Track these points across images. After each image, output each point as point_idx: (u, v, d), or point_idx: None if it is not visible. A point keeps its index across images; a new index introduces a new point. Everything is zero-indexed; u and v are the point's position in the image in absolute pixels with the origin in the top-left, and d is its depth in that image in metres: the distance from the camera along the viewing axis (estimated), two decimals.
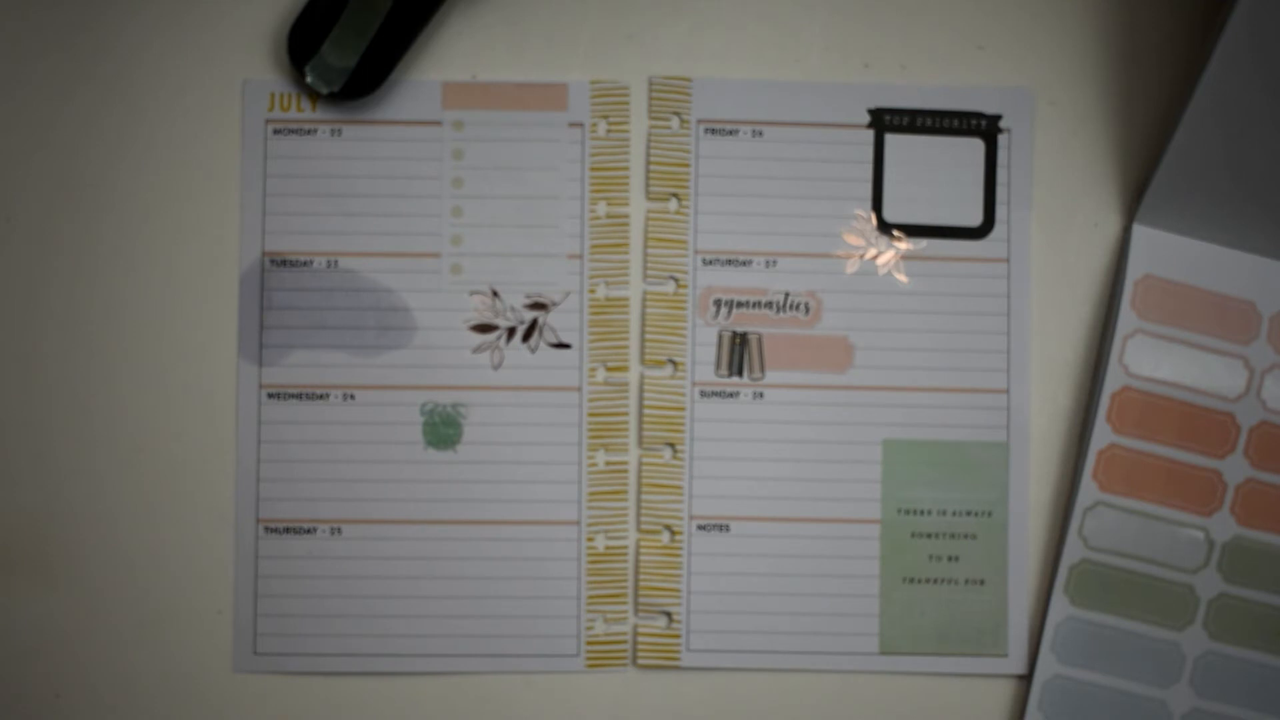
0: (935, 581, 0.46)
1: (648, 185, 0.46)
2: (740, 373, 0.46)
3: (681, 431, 0.46)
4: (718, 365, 0.46)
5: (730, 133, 0.46)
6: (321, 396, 0.46)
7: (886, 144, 0.46)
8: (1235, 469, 0.46)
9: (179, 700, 0.45)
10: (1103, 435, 0.46)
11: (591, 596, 0.46)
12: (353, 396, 0.46)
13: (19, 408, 0.46)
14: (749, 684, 0.46)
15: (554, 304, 0.46)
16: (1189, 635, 0.45)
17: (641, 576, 0.46)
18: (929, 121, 0.46)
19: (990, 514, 0.46)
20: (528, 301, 0.46)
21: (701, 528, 0.46)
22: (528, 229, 0.46)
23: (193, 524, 0.45)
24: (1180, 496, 0.45)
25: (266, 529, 0.45)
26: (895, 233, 0.46)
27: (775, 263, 0.46)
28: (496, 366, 0.46)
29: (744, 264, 0.46)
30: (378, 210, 0.46)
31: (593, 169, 0.46)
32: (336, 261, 0.46)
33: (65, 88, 0.46)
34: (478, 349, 0.46)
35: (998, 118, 0.47)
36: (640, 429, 0.46)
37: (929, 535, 0.46)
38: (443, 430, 0.46)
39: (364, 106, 0.46)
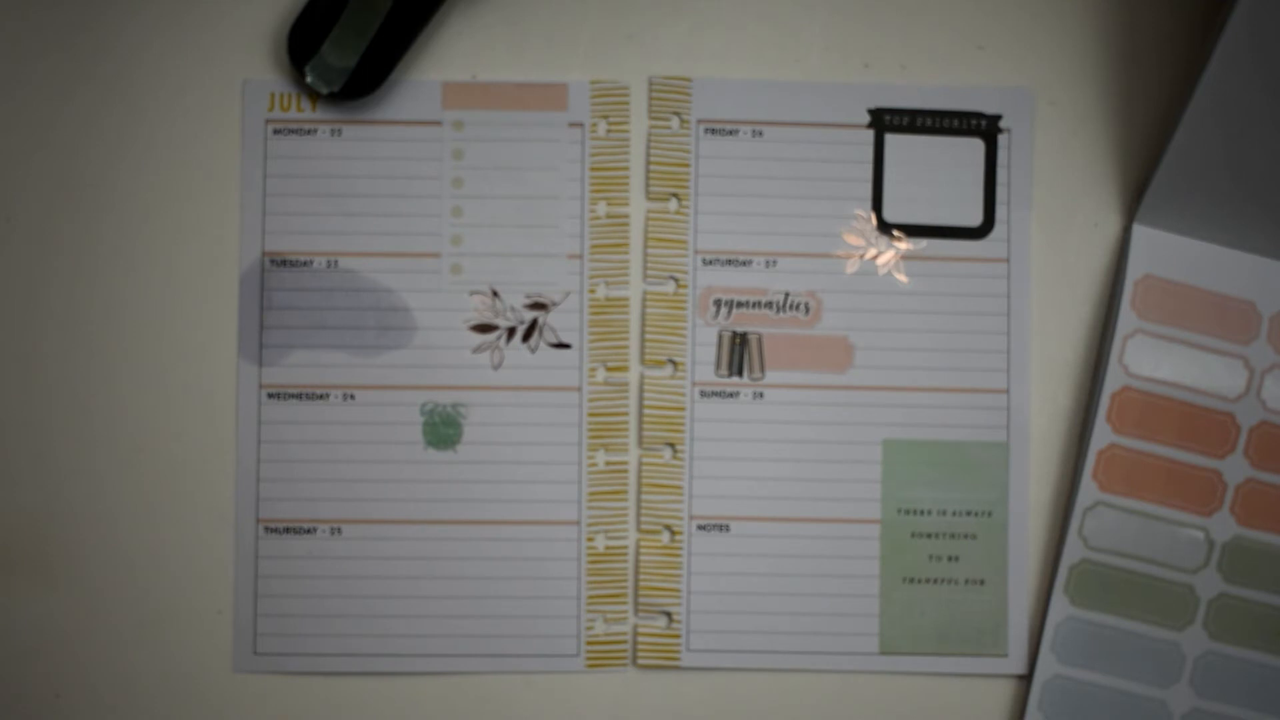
0: (935, 581, 0.46)
1: (648, 185, 0.46)
2: (740, 373, 0.46)
3: (681, 431, 0.46)
4: (718, 365, 0.46)
5: (730, 133, 0.46)
6: (321, 396, 0.46)
7: (886, 144, 0.46)
8: (1235, 469, 0.46)
9: (179, 700, 0.45)
10: (1103, 435, 0.46)
11: (591, 596, 0.46)
12: (353, 396, 0.46)
13: (19, 408, 0.46)
14: (749, 684, 0.46)
15: (554, 304, 0.46)
16: (1189, 635, 0.45)
17: (641, 576, 0.46)
18: (929, 121, 0.46)
19: (990, 514, 0.46)
20: (528, 301, 0.46)
21: (701, 528, 0.46)
22: (528, 229, 0.46)
23: (193, 524, 0.46)
24: (1180, 496, 0.45)
25: (266, 529, 0.45)
26: (895, 233, 0.46)
27: (775, 263, 0.46)
28: (496, 366, 0.46)
29: (744, 264, 0.46)
30: (378, 210, 0.46)
31: (593, 169, 0.46)
32: (336, 261, 0.46)
33: (65, 88, 0.46)
34: (478, 349, 0.46)
35: (998, 118, 0.47)
36: (640, 429, 0.46)
37: (929, 535, 0.46)
38: (443, 430, 0.46)
39: (364, 106, 0.46)
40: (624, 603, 0.46)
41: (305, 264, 0.46)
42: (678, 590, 0.46)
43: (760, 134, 0.46)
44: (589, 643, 0.46)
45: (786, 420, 0.46)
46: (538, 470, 0.46)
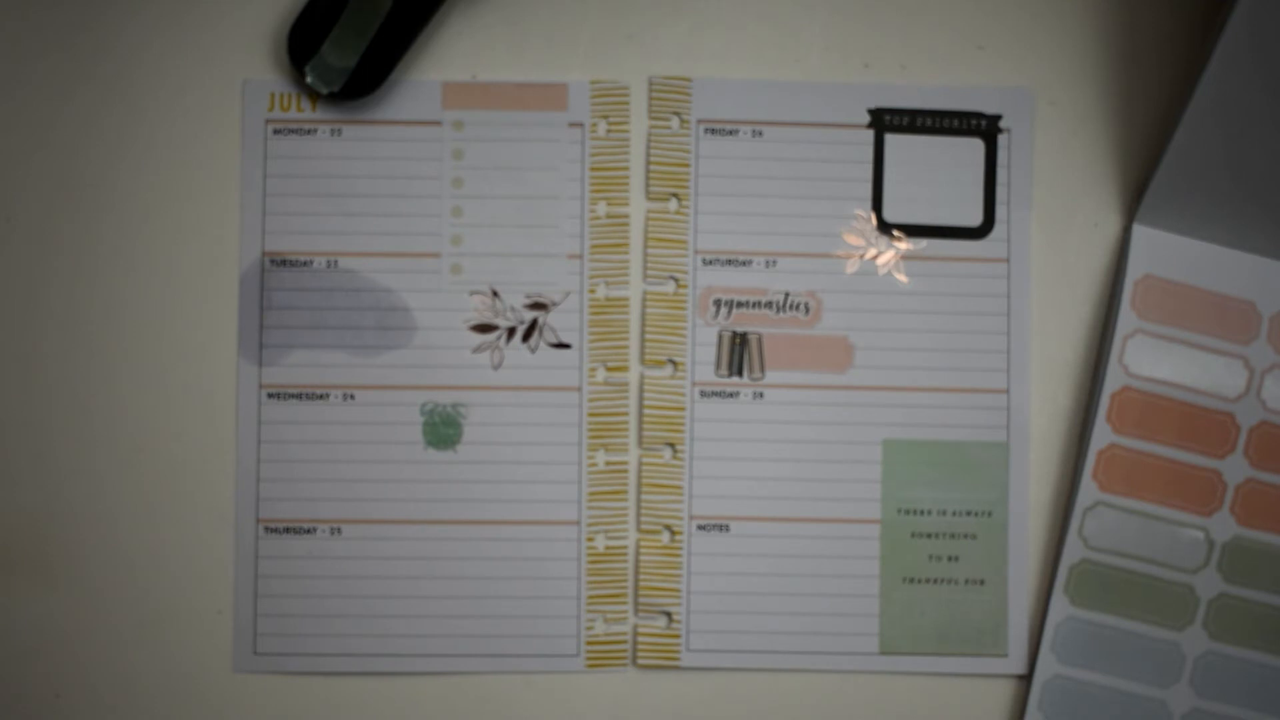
0: (935, 581, 0.46)
1: (648, 185, 0.46)
2: (740, 373, 0.46)
3: (681, 431, 0.46)
4: (718, 365, 0.46)
5: (730, 133, 0.46)
6: (321, 396, 0.46)
7: (886, 144, 0.46)
8: (1235, 469, 0.46)
9: (179, 700, 0.45)
10: (1103, 435, 0.46)
11: (591, 596, 0.46)
12: (353, 396, 0.46)
13: (19, 408, 0.46)
14: (749, 684, 0.46)
15: (554, 304, 0.46)
16: (1189, 635, 0.45)
17: (641, 576, 0.46)
18: (929, 121, 0.46)
19: (990, 514, 0.46)
20: (528, 301, 0.46)
21: (701, 528, 0.46)
22: (528, 229, 0.46)
23: (193, 524, 0.46)
24: (1180, 496, 0.45)
25: (266, 529, 0.45)
26: (895, 233, 0.46)
27: (775, 263, 0.46)
28: (496, 366, 0.46)
29: (744, 264, 0.46)
30: (378, 210, 0.46)
31: (593, 169, 0.46)
32: (336, 261, 0.46)
33: (65, 88, 0.46)
34: (478, 349, 0.46)
35: (998, 118, 0.47)
36: (640, 429, 0.46)
37: (929, 535, 0.46)
38: (443, 430, 0.46)
39: (364, 106, 0.46)
40: (624, 603, 0.46)
41: (305, 264, 0.46)
42: (678, 590, 0.46)
43: (760, 134, 0.46)
44: (589, 643, 0.46)
45: (786, 420, 0.46)
46: (538, 470, 0.46)
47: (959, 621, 0.46)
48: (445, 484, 0.46)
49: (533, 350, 0.46)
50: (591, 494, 0.46)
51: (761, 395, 0.46)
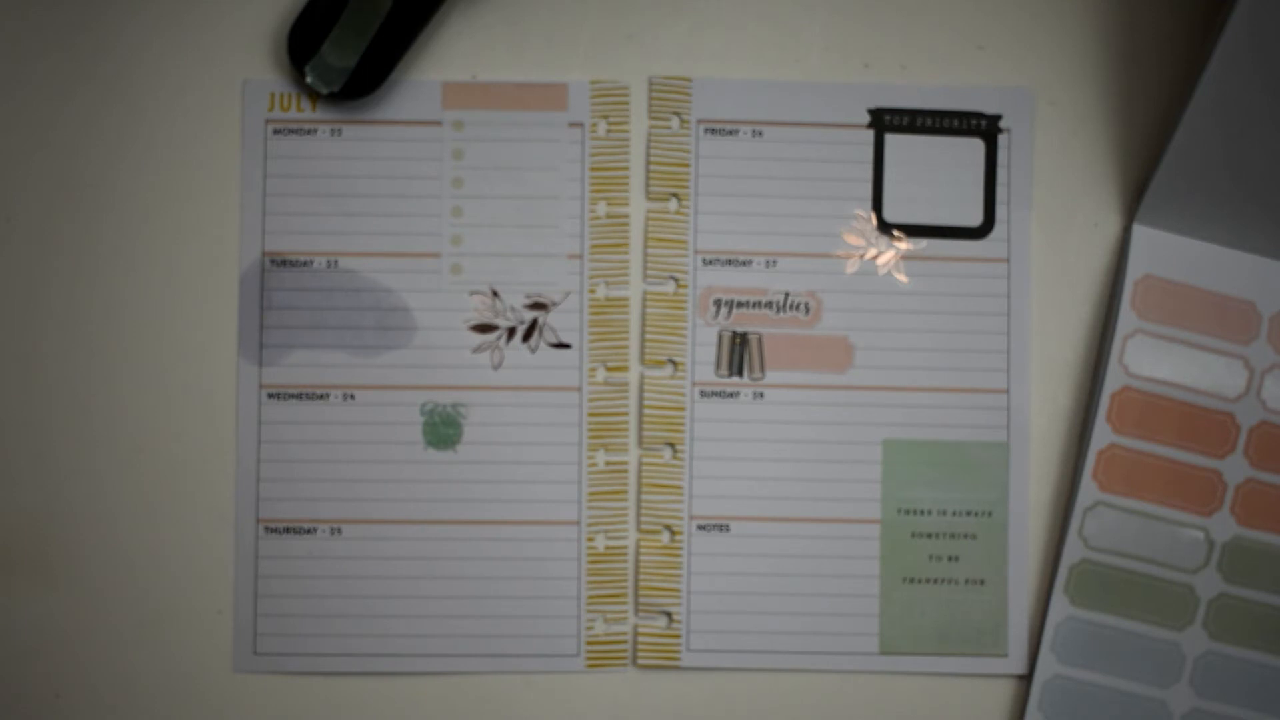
0: (935, 581, 0.46)
1: (648, 185, 0.46)
2: (740, 373, 0.46)
3: (681, 431, 0.46)
4: (718, 365, 0.46)
5: (730, 133, 0.46)
6: (321, 396, 0.46)
7: (886, 144, 0.46)
8: (1235, 469, 0.46)
9: (179, 700, 0.45)
10: (1103, 435, 0.46)
11: (591, 596, 0.46)
12: (353, 396, 0.46)
13: (19, 408, 0.46)
14: (749, 684, 0.46)
15: (554, 304, 0.46)
16: (1189, 635, 0.45)
17: (641, 576, 0.46)
18: (929, 121, 0.46)
19: (990, 514, 0.46)
20: (528, 301, 0.46)
21: (701, 528, 0.46)
22: (528, 229, 0.46)
23: (193, 524, 0.46)
24: (1180, 496, 0.45)
25: (266, 529, 0.45)
26: (895, 233, 0.46)
27: (775, 263, 0.46)
28: (496, 366, 0.46)
29: (744, 264, 0.46)
30: (378, 210, 0.46)
31: (593, 169, 0.46)
32: (336, 261, 0.46)
33: (65, 88, 0.46)
34: (478, 349, 0.46)
35: (998, 118, 0.47)
36: (640, 429, 0.46)
37: (929, 535, 0.46)
38: (443, 430, 0.46)
39: (364, 106, 0.46)
40: (624, 603, 0.46)
41: (305, 264, 0.46)
42: (678, 590, 0.46)
43: (760, 134, 0.46)
44: (589, 643, 0.46)
45: (786, 420, 0.46)
46: (538, 470, 0.46)
47: (959, 621, 0.46)
48: (445, 484, 0.46)
49: (533, 350, 0.46)
50: (591, 494, 0.46)
51: (761, 395, 0.46)
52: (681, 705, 0.46)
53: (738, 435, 0.46)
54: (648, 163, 0.46)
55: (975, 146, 0.47)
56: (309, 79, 0.45)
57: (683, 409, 0.46)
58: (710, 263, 0.46)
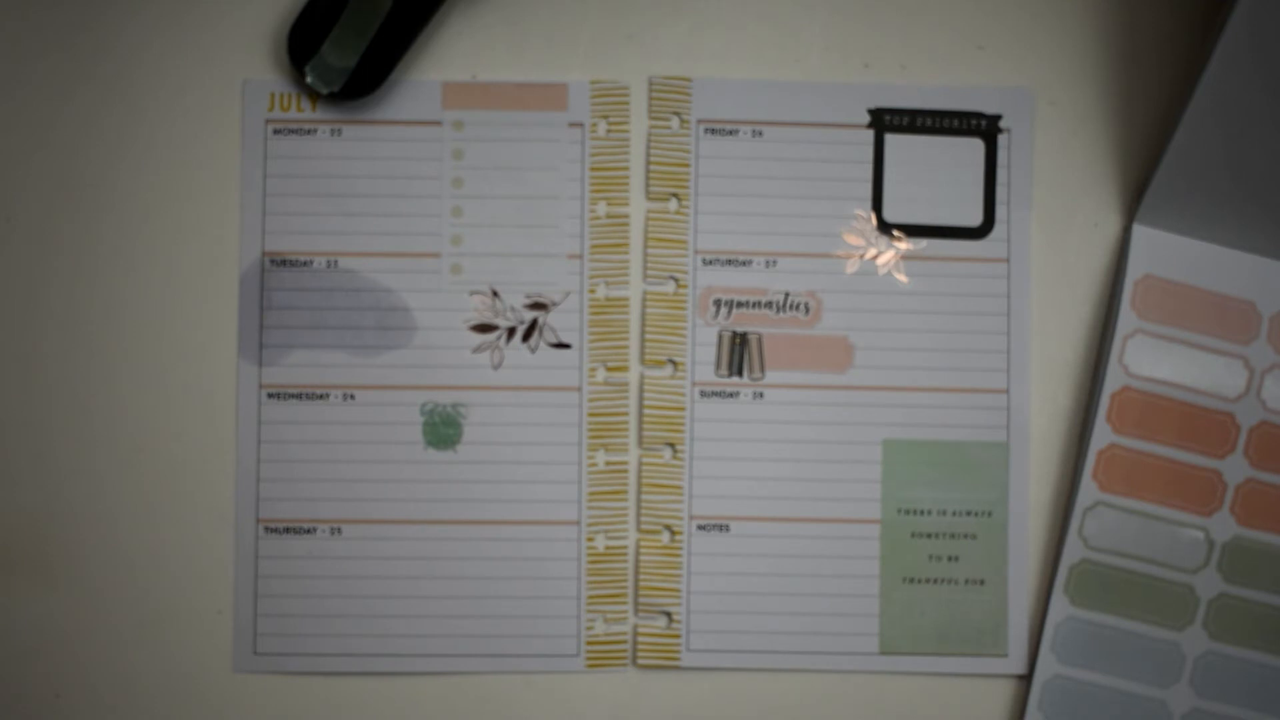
0: (935, 581, 0.46)
1: (648, 185, 0.46)
2: (740, 373, 0.46)
3: (681, 431, 0.46)
4: (718, 365, 0.46)
5: (730, 133, 0.46)
6: (321, 396, 0.46)
7: (886, 144, 0.46)
8: (1235, 469, 0.46)
9: (179, 700, 0.45)
10: (1103, 435, 0.46)
11: (591, 596, 0.46)
12: (353, 396, 0.46)
13: (19, 408, 0.46)
14: (749, 684, 0.46)
15: (554, 304, 0.46)
16: (1189, 635, 0.45)
17: (641, 576, 0.46)
18: (929, 121, 0.46)
19: (990, 514, 0.46)
20: (528, 301, 0.46)
21: (701, 528, 0.46)
22: (528, 229, 0.46)
23: (193, 524, 0.46)
24: (1180, 496, 0.45)
25: (266, 529, 0.45)
26: (895, 233, 0.46)
27: (775, 263, 0.46)
28: (496, 366, 0.46)
29: (744, 264, 0.46)
30: (378, 210, 0.46)
31: (593, 169, 0.46)
32: (336, 261, 0.46)
33: (65, 88, 0.46)
34: (478, 349, 0.46)
35: (998, 118, 0.47)
36: (640, 429, 0.46)
37: (929, 535, 0.46)
38: (443, 430, 0.46)
39: (364, 106, 0.46)
40: (624, 603, 0.46)
41: (305, 264, 0.46)
42: (678, 590, 0.46)
43: (760, 134, 0.46)
44: (589, 643, 0.46)
45: (786, 420, 0.46)
46: (538, 470, 0.46)
47: (959, 621, 0.46)
48: (445, 484, 0.46)
49: (533, 350, 0.46)
50: (591, 494, 0.46)
51: (761, 395, 0.46)
52: (681, 705, 0.46)
53: (738, 435, 0.46)
54: (648, 163, 0.46)
55: (975, 146, 0.47)
56: (309, 79, 0.45)
57: (683, 409, 0.46)
58: (710, 263, 0.46)
